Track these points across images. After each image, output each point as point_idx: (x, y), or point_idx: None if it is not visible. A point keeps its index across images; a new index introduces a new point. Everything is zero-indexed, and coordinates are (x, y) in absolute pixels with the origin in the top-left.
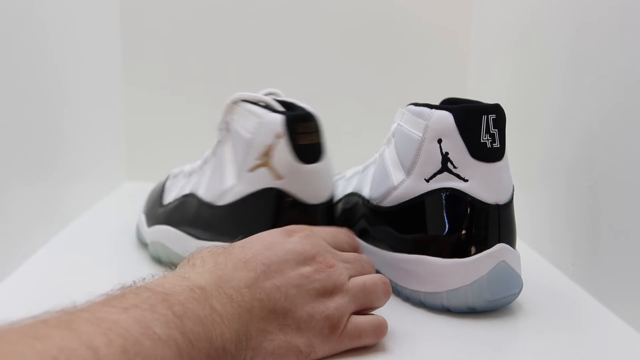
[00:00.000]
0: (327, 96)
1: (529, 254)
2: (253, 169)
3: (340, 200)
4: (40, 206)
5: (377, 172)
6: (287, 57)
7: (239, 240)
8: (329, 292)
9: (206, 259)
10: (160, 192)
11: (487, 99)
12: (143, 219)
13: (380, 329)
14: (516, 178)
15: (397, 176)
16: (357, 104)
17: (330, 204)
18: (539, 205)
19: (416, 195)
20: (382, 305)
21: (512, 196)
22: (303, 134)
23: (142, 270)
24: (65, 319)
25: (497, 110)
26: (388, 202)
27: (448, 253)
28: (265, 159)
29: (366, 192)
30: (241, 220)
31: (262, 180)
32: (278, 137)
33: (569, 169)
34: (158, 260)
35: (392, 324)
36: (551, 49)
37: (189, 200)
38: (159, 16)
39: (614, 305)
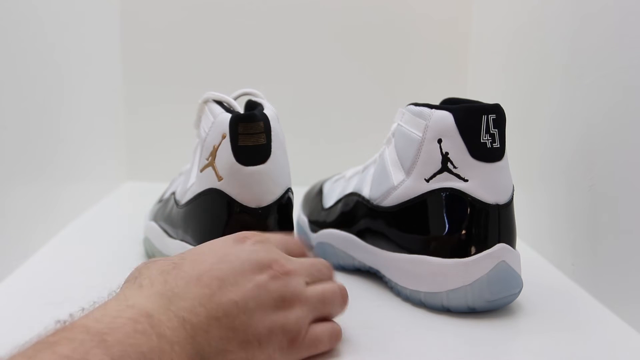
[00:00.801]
0: (327, 96)
1: (529, 254)
2: (203, 168)
3: (340, 200)
4: (40, 206)
5: (377, 172)
6: (287, 57)
7: (189, 251)
8: (287, 301)
9: (154, 279)
10: (166, 189)
11: (487, 99)
12: (148, 214)
13: (336, 335)
14: (516, 178)
15: (397, 176)
16: (357, 104)
17: (279, 209)
18: (539, 205)
19: (416, 195)
20: (338, 315)
21: (512, 196)
22: (244, 134)
23: None
24: None
25: (497, 110)
26: (388, 202)
27: (448, 253)
28: (211, 159)
29: (366, 192)
30: (192, 219)
31: (207, 180)
32: (223, 137)
33: (568, 169)
34: (147, 256)
35: (392, 323)
36: (551, 49)
37: (171, 197)
38: (159, 16)
39: (614, 305)
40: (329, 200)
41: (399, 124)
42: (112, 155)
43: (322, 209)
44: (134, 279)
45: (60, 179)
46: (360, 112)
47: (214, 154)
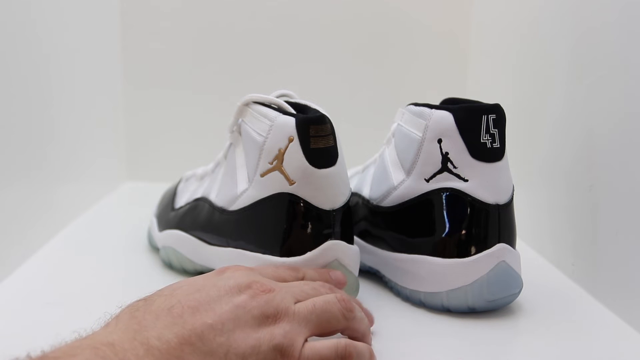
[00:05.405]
0: (326, 96)
1: (529, 254)
2: (265, 173)
3: None
4: (40, 206)
5: (377, 172)
6: (287, 57)
7: (170, 286)
8: (271, 317)
9: (121, 317)
10: (172, 195)
11: (487, 99)
12: (155, 222)
13: (346, 353)
14: (516, 178)
15: (397, 176)
16: (357, 103)
17: (346, 210)
18: (539, 205)
19: (416, 195)
20: (343, 327)
21: (512, 196)
22: (316, 137)
23: (140, 269)
24: None
25: (497, 110)
26: (388, 202)
27: (448, 253)
28: (277, 163)
29: (366, 192)
30: (253, 225)
31: (274, 184)
32: (290, 140)
33: (569, 169)
34: (169, 266)
35: (392, 323)
36: (551, 49)
37: (200, 204)
38: (159, 14)
39: (614, 305)
40: None
41: (399, 124)
42: (112, 154)
43: None
44: (102, 323)
45: (60, 179)
46: (360, 111)
47: (280, 157)
